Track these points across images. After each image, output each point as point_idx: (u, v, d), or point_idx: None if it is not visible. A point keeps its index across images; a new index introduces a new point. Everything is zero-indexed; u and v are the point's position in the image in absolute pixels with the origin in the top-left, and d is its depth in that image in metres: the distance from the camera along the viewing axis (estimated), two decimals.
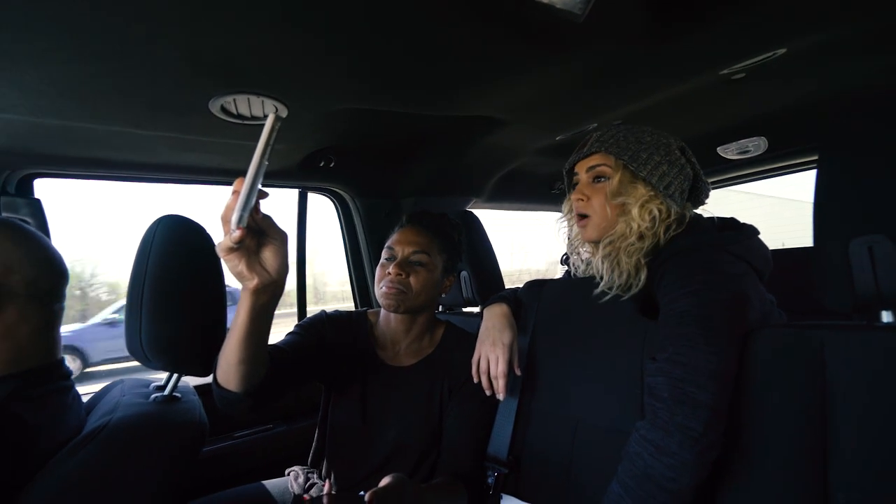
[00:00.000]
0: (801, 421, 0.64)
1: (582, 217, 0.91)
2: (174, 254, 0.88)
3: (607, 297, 0.86)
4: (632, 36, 0.88)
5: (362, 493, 0.70)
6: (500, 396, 0.95)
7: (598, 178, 0.90)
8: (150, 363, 0.86)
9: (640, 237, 0.84)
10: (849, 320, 0.71)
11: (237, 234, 0.59)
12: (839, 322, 0.70)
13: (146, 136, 1.08)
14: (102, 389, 0.98)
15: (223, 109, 0.98)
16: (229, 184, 1.47)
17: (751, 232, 0.83)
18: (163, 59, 0.79)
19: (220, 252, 0.63)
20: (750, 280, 0.77)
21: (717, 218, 0.87)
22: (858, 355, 0.62)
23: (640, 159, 0.85)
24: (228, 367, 0.75)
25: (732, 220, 0.87)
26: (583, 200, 0.90)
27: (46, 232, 1.15)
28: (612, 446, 0.78)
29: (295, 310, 1.67)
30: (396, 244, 1.06)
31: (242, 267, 0.63)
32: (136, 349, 0.84)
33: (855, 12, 0.89)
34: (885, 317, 0.65)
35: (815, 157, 1.80)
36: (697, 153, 0.92)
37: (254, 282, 0.64)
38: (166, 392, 0.89)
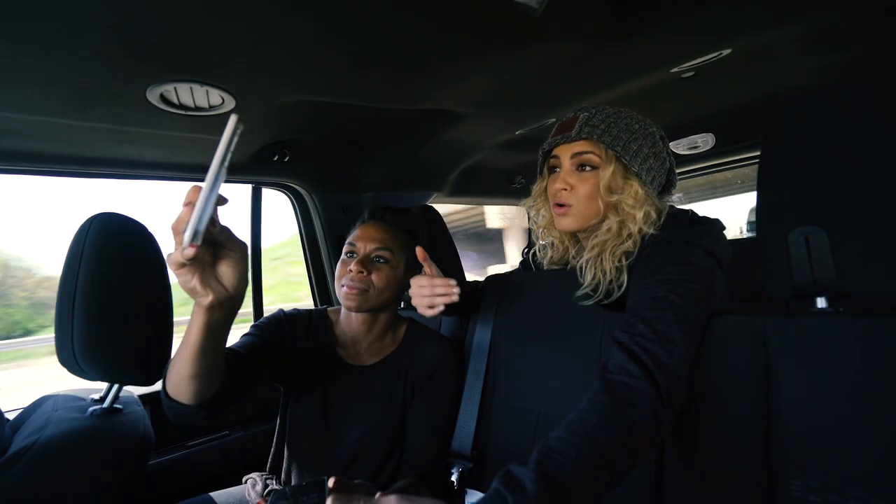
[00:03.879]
0: (747, 401, 0.68)
1: (561, 206, 0.86)
2: (110, 254, 0.81)
3: (589, 302, 0.82)
4: (588, 31, 0.89)
5: (325, 477, 0.68)
6: (454, 296, 0.86)
7: (583, 166, 0.84)
8: (86, 374, 0.79)
9: (630, 237, 0.80)
10: (788, 307, 0.75)
11: (190, 251, 0.52)
12: (779, 309, 0.74)
13: (76, 126, 0.99)
14: (32, 404, 0.90)
15: (163, 99, 0.91)
16: (177, 179, 1.40)
17: (719, 227, 0.84)
18: (93, 42, 0.72)
19: (170, 266, 0.56)
20: (716, 274, 0.78)
21: (691, 211, 0.87)
22: (796, 339, 0.66)
23: (630, 151, 0.79)
24: (180, 381, 0.70)
25: (702, 215, 0.89)
26: (567, 190, 0.84)
27: None
28: None
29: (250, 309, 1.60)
30: (358, 240, 1.03)
31: (196, 282, 0.57)
32: (68, 359, 0.78)
33: (792, 15, 0.94)
34: (820, 303, 0.69)
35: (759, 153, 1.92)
36: None
37: (208, 298, 0.59)
38: (105, 404, 0.82)
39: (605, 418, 0.59)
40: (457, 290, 0.87)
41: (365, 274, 0.98)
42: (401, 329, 1.11)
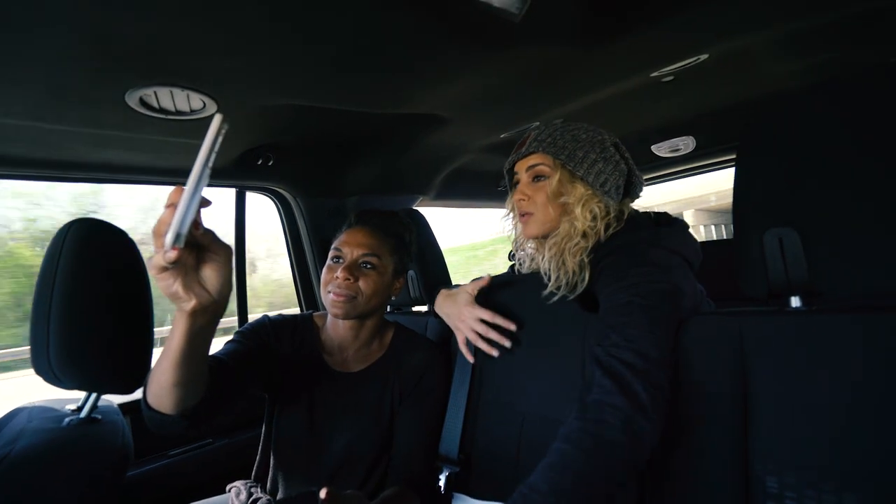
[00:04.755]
0: (725, 400, 0.69)
1: (524, 214, 0.93)
2: (88, 261, 0.80)
3: (555, 298, 0.87)
4: (568, 36, 0.91)
5: (315, 489, 0.66)
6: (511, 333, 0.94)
7: (537, 178, 0.92)
8: (62, 383, 0.77)
9: (584, 236, 0.86)
10: (764, 306, 0.77)
11: (172, 254, 0.51)
12: (754, 308, 0.75)
13: (53, 130, 0.96)
14: (5, 416, 0.87)
15: (142, 102, 0.90)
16: (159, 183, 1.38)
17: (683, 226, 0.88)
18: (68, 44, 0.71)
19: (151, 270, 0.55)
20: (683, 272, 0.81)
21: (654, 213, 0.91)
22: (771, 338, 0.68)
23: (576, 158, 0.87)
24: (161, 391, 0.68)
25: (665, 215, 0.92)
26: (525, 200, 0.92)
27: None
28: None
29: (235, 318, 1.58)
30: (344, 245, 1.01)
31: (178, 287, 0.56)
32: (43, 368, 0.76)
33: (768, 21, 0.96)
34: (794, 302, 0.71)
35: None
36: (633, 151, 0.96)
37: (191, 303, 0.57)
38: (83, 414, 0.80)
39: (578, 446, 0.64)
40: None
41: (352, 281, 0.97)
42: (388, 334, 1.10)
